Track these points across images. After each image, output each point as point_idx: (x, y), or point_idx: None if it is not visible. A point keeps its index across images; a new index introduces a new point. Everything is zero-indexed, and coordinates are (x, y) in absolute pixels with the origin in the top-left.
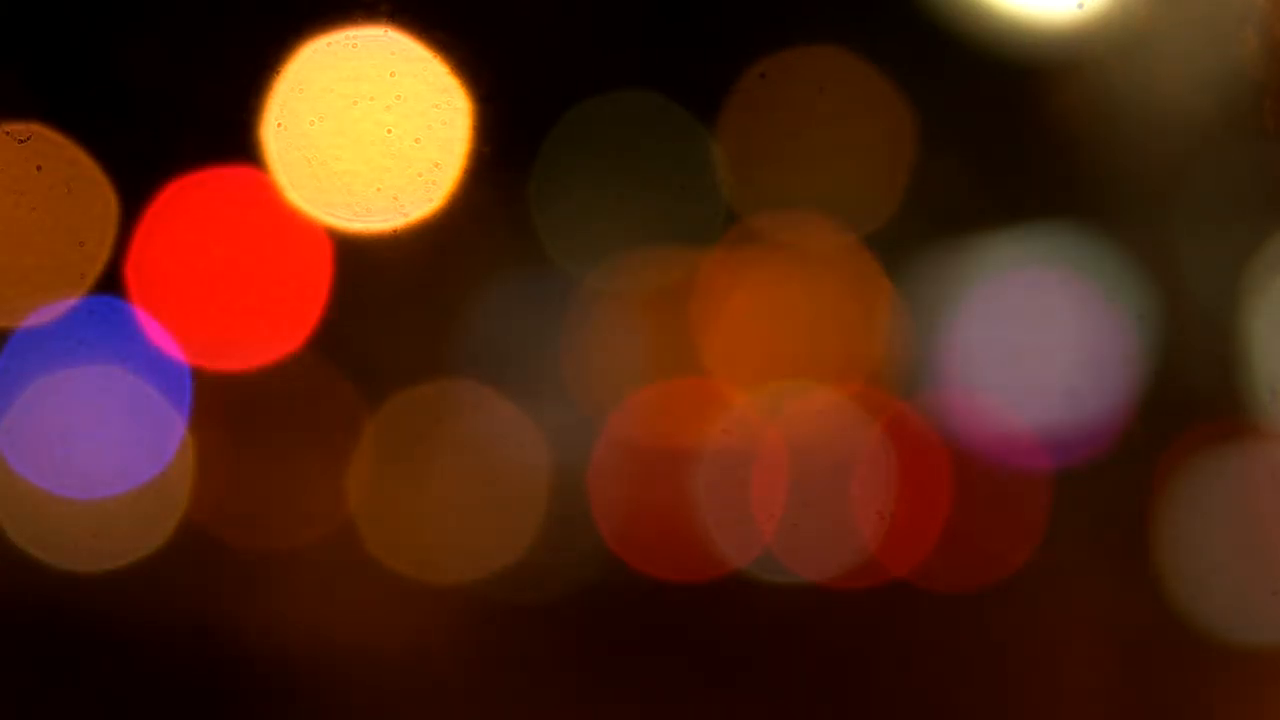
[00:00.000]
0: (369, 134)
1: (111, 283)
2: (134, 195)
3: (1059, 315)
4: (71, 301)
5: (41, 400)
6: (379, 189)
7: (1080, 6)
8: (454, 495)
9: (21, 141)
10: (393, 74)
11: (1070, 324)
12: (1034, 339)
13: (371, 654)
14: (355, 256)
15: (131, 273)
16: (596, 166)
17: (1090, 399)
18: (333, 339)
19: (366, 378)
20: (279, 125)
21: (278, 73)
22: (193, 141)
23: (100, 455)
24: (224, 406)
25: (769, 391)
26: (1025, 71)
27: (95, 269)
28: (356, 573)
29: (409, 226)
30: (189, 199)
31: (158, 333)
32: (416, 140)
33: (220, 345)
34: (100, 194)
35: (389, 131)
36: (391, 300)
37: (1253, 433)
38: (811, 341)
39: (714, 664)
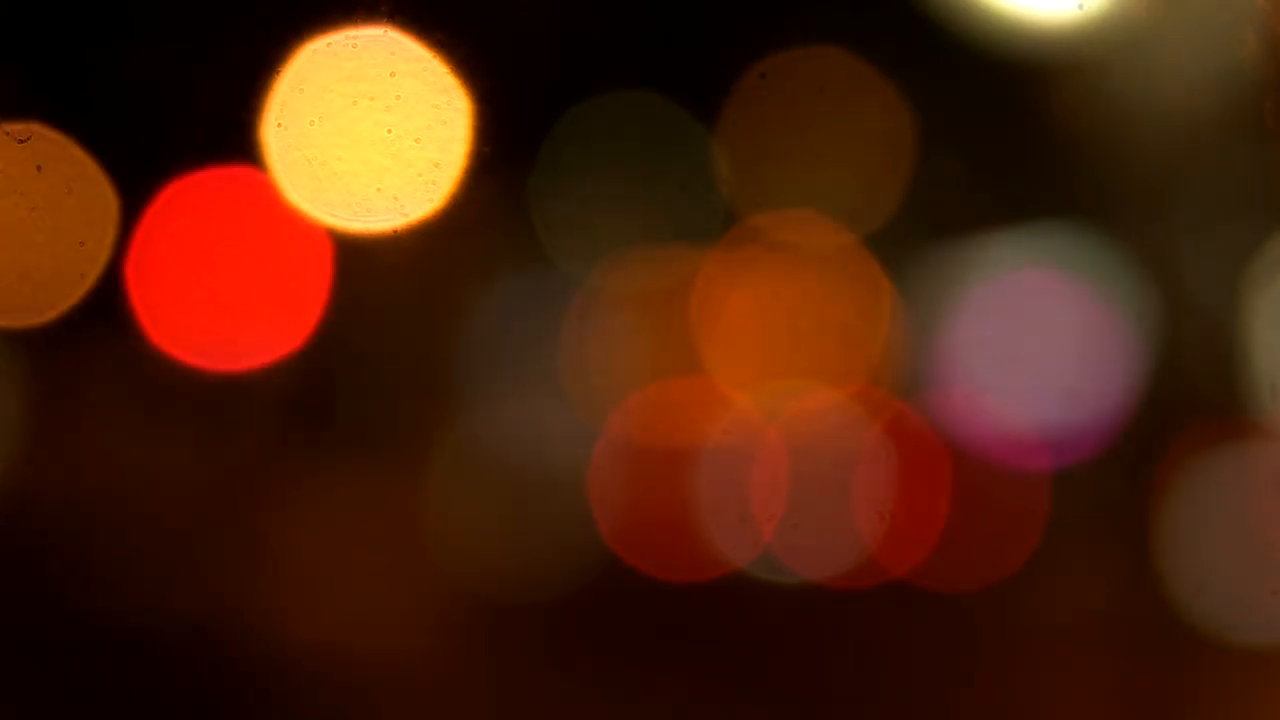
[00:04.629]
0: (369, 134)
1: (111, 283)
2: (134, 195)
3: (1059, 315)
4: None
5: None
6: (379, 189)
7: (1080, 7)
8: (454, 495)
9: (21, 141)
10: (393, 74)
11: (1070, 324)
12: (1034, 339)
13: (370, 654)
14: (355, 256)
15: (131, 273)
16: (596, 166)
17: (1090, 399)
18: (333, 339)
19: (366, 378)
20: (279, 125)
21: (278, 73)
22: (193, 141)
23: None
24: (224, 407)
25: (769, 391)
26: (1025, 71)
27: (95, 269)
28: (355, 573)
29: (409, 226)
30: (189, 199)
31: (158, 333)
32: (416, 140)
33: (220, 345)
34: (100, 194)
35: (389, 131)
36: (391, 300)
37: (1253, 433)
38: (811, 341)
39: (714, 664)
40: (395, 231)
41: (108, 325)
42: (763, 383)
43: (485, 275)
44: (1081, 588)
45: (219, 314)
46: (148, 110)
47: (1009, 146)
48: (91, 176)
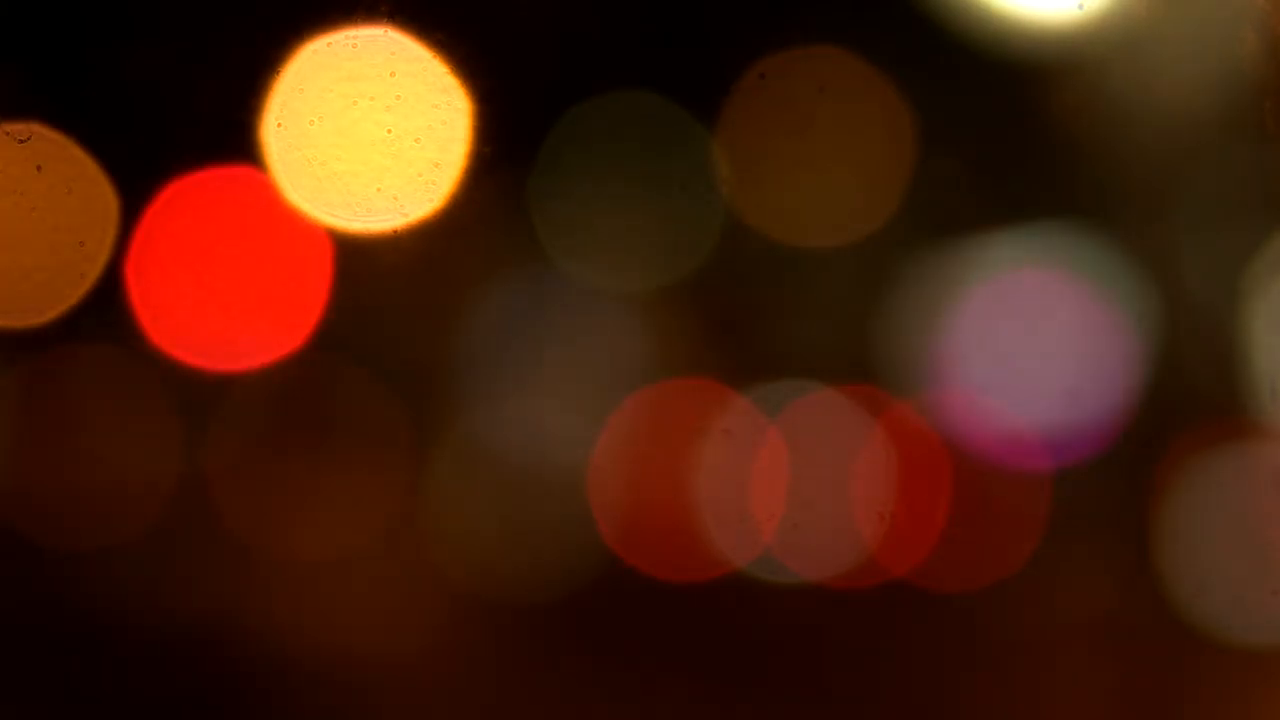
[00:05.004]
0: (369, 134)
1: (111, 283)
2: (134, 195)
3: (1059, 315)
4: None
5: None
6: (379, 189)
7: (1080, 6)
8: (454, 495)
9: (21, 141)
10: (393, 74)
11: (1070, 324)
12: (1034, 339)
13: (370, 654)
14: (355, 256)
15: (131, 273)
16: (596, 166)
17: (1090, 399)
18: (333, 339)
19: (366, 378)
20: (279, 125)
21: (278, 73)
22: (193, 141)
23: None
24: (224, 407)
25: (769, 391)
26: (1025, 71)
27: (95, 269)
28: (355, 573)
29: (409, 226)
30: (189, 199)
31: (158, 333)
32: (416, 140)
33: (221, 345)
34: (100, 194)
35: (389, 131)
36: (391, 300)
37: (1253, 433)
38: (812, 341)
39: (714, 664)
40: (395, 231)
41: (108, 325)
42: (763, 383)
43: (485, 275)
44: (1081, 588)
45: (219, 314)
46: (148, 110)
47: (1009, 146)
48: (91, 176)
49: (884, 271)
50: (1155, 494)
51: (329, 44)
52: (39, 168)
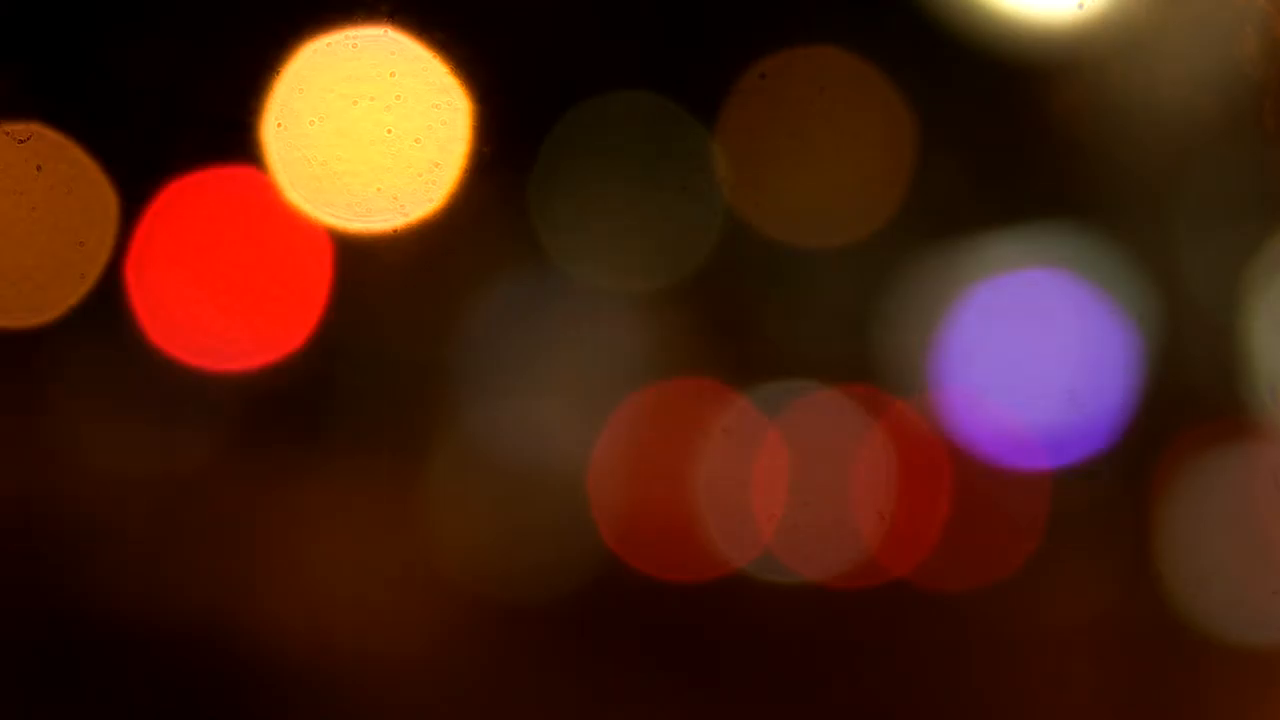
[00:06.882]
0: (369, 134)
1: (111, 283)
2: (134, 195)
3: (1059, 315)
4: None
5: None
6: (379, 189)
7: (1080, 6)
8: (454, 495)
9: (21, 141)
10: (393, 74)
11: (1070, 324)
12: (1034, 339)
13: (371, 654)
14: (355, 256)
15: (131, 273)
16: (596, 166)
17: (1090, 399)
18: (333, 339)
19: (366, 378)
20: (279, 125)
21: (278, 73)
22: (193, 141)
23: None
24: (224, 407)
25: (769, 391)
26: (1025, 71)
27: (95, 269)
28: (356, 573)
29: (409, 226)
30: (189, 199)
31: (158, 333)
32: (416, 140)
33: (220, 345)
34: (100, 194)
35: (389, 131)
36: (391, 300)
37: (1253, 433)
38: (812, 341)
39: (714, 664)
40: (395, 231)
41: (108, 325)
42: (763, 383)
43: (485, 275)
44: (1081, 588)
45: (219, 314)
46: (148, 110)
47: (1009, 146)
48: (91, 176)
49: (884, 271)
50: (1155, 494)
51: (329, 44)
52: (39, 168)
